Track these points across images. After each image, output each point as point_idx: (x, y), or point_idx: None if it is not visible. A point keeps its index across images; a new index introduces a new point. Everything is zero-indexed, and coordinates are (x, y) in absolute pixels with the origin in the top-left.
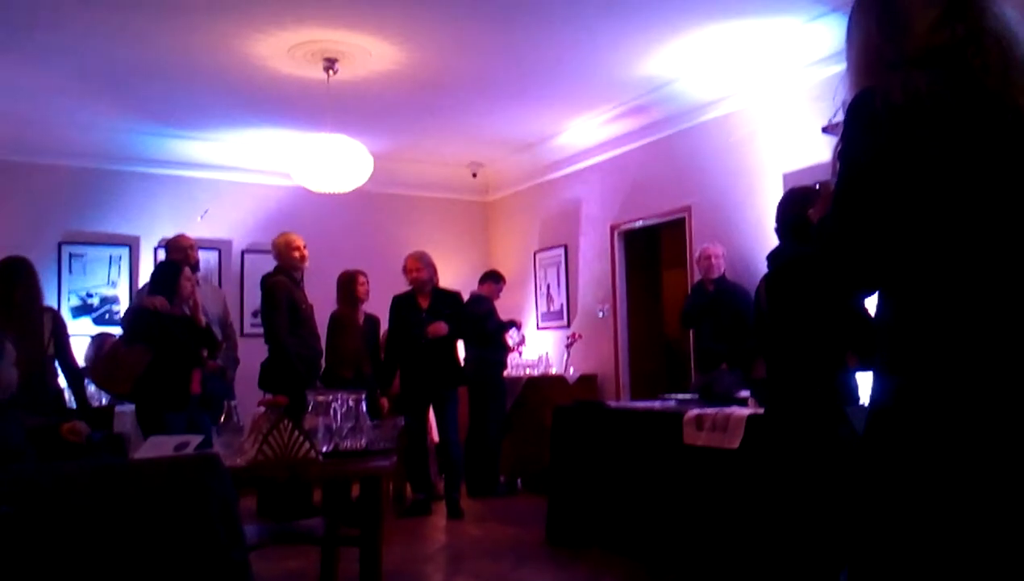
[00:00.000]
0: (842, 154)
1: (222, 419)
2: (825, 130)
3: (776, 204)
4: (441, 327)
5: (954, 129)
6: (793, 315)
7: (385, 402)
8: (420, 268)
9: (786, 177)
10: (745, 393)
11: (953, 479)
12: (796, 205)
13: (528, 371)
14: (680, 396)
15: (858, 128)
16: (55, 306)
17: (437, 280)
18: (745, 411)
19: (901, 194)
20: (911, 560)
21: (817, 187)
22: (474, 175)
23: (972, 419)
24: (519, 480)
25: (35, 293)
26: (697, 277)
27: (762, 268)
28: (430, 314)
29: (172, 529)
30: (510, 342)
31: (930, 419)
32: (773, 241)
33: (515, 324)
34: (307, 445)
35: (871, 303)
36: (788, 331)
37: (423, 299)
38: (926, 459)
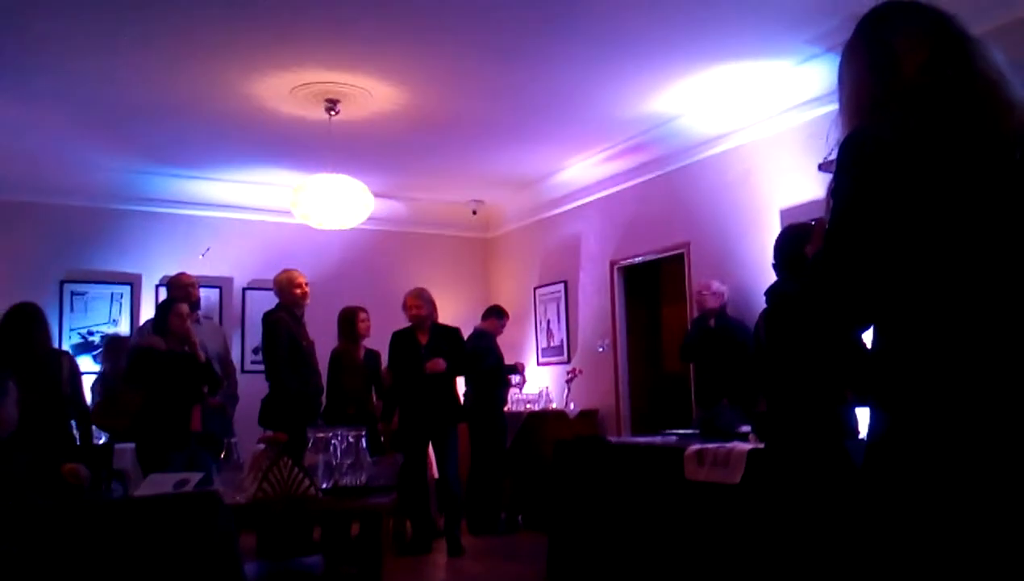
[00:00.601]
0: (834, 192)
1: (222, 456)
2: (821, 167)
3: (774, 240)
4: (439, 363)
5: (944, 167)
6: (791, 350)
7: (383, 433)
8: (420, 305)
9: (783, 213)
10: (746, 428)
11: (946, 514)
12: (793, 241)
13: (528, 406)
14: (681, 431)
15: (849, 166)
16: (56, 344)
17: (436, 316)
18: (746, 446)
19: (891, 231)
20: None
21: (813, 224)
22: (474, 213)
23: (963, 455)
24: (520, 516)
25: (48, 337)
26: (696, 312)
27: (761, 303)
28: (429, 350)
29: (172, 566)
30: (512, 380)
31: (921, 455)
32: (772, 277)
33: (517, 370)
34: (307, 482)
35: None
36: (787, 366)
37: (422, 335)
38: (919, 494)
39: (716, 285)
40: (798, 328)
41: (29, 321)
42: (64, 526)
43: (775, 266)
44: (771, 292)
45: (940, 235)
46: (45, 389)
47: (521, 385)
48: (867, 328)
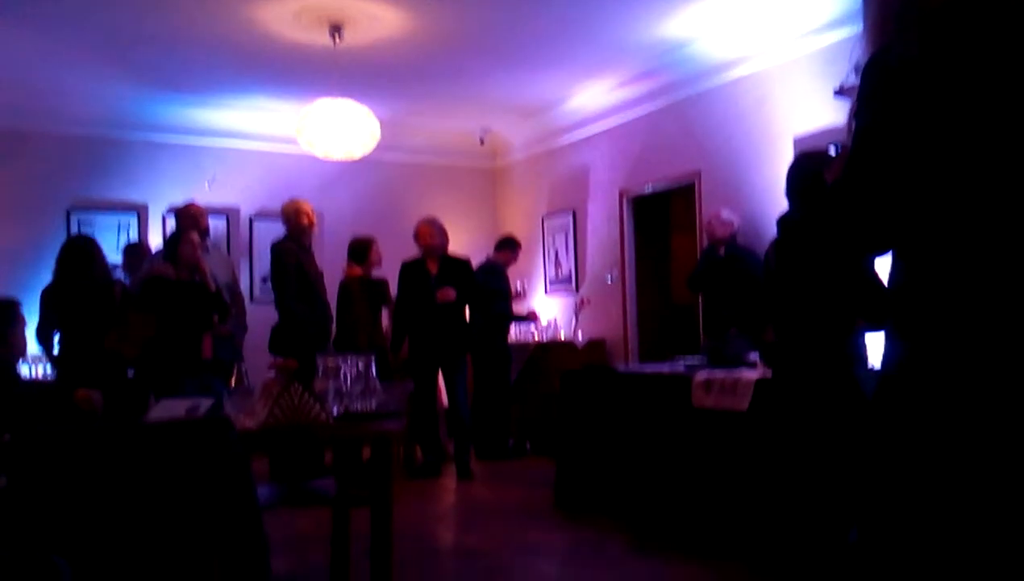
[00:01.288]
0: (857, 114)
1: (232, 382)
2: (837, 93)
3: (786, 168)
4: (450, 293)
5: (973, 87)
6: (803, 279)
7: (392, 362)
8: (433, 234)
9: (797, 141)
10: (754, 356)
11: (960, 445)
12: (807, 169)
13: (536, 337)
14: (689, 360)
15: (874, 86)
16: None
17: (447, 246)
18: (754, 374)
19: (918, 153)
20: (921, 522)
21: (830, 151)
22: (482, 141)
23: (981, 385)
24: (528, 443)
25: (106, 269)
26: (706, 242)
27: (772, 233)
28: (439, 280)
29: (185, 490)
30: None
31: (938, 385)
32: (783, 206)
33: (531, 318)
34: (317, 407)
35: (880, 266)
36: (797, 294)
37: (432, 265)
38: (934, 424)
39: (726, 214)
40: (811, 255)
41: (88, 254)
42: (73, 449)
43: (788, 194)
44: (783, 221)
45: (968, 158)
46: (106, 317)
47: (537, 328)
48: (885, 254)
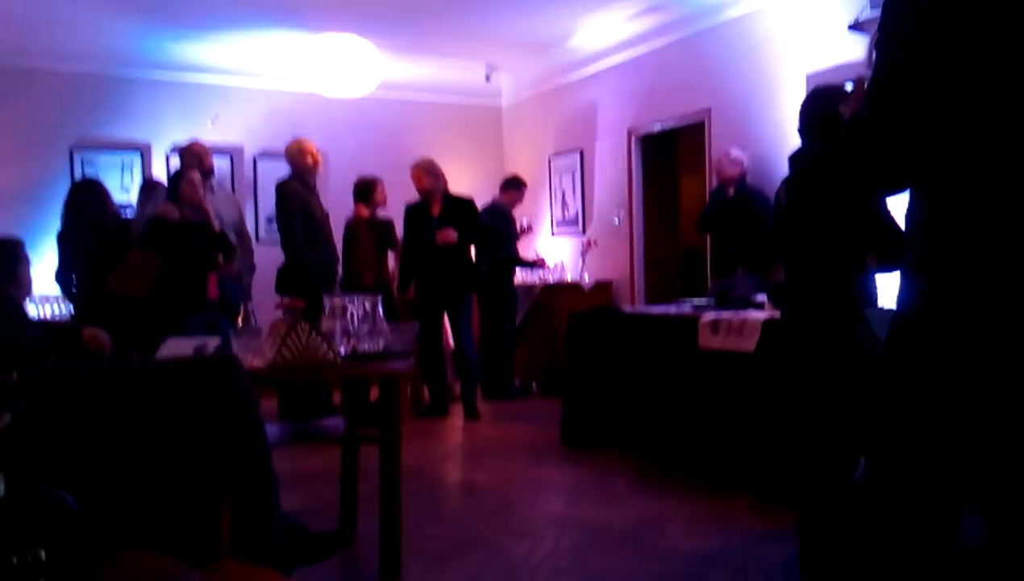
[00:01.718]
0: (879, 44)
1: (239, 322)
2: (852, 28)
3: (799, 105)
4: (450, 234)
5: (1005, 10)
6: (815, 217)
7: (399, 303)
8: (423, 177)
9: (809, 78)
10: (762, 297)
11: (980, 380)
12: (822, 103)
13: (543, 279)
14: (696, 301)
15: (898, 14)
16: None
17: (446, 186)
18: (762, 315)
19: (946, 82)
20: (933, 460)
21: (846, 86)
22: (487, 78)
23: (1005, 320)
24: (534, 383)
25: (116, 210)
26: (715, 182)
27: (782, 173)
28: (441, 221)
29: (193, 428)
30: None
31: (961, 319)
32: (794, 145)
33: (538, 265)
34: (325, 347)
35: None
36: (808, 233)
37: (434, 207)
38: (954, 360)
39: (736, 153)
40: (825, 192)
41: (97, 196)
42: (80, 386)
43: (801, 130)
44: (795, 158)
45: (1000, 87)
46: (119, 257)
47: (544, 272)
48: (904, 190)
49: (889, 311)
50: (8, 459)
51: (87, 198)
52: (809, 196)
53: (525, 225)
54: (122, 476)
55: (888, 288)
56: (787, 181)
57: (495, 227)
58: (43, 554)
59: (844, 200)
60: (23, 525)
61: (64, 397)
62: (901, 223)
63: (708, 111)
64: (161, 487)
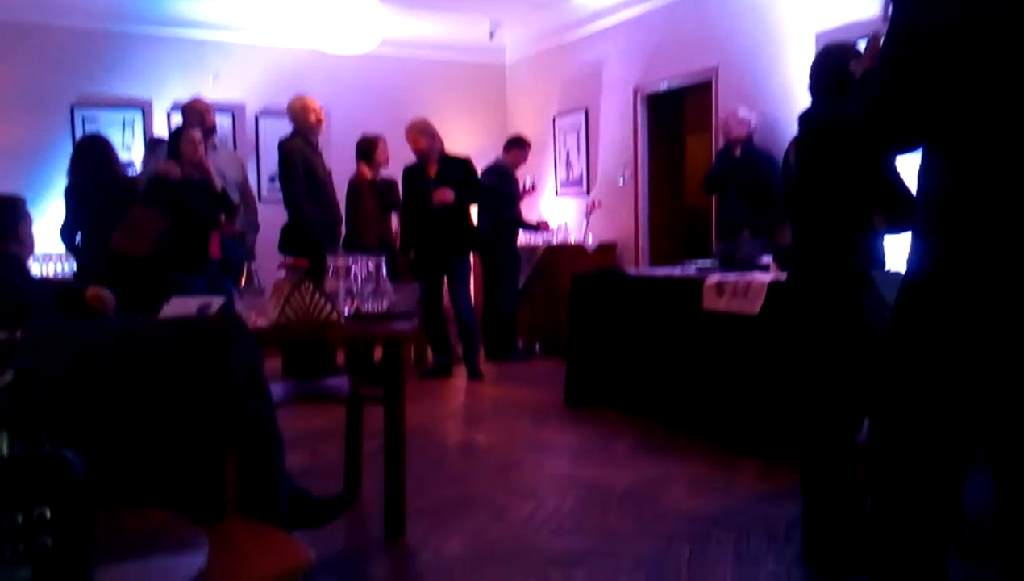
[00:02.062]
0: None
1: (243, 282)
2: None
3: (809, 63)
4: (447, 194)
5: None
6: (822, 176)
7: (401, 265)
8: (417, 138)
9: (819, 36)
10: (767, 259)
11: (996, 344)
12: (833, 61)
13: (546, 240)
14: (701, 263)
15: None
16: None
17: (442, 147)
18: (767, 277)
19: (963, 37)
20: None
21: (858, 44)
22: (491, 35)
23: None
24: (537, 345)
25: (122, 166)
26: (721, 142)
27: (790, 133)
28: (437, 182)
29: (198, 387)
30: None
31: (980, 282)
32: (803, 105)
33: (541, 228)
34: (329, 307)
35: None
36: (816, 193)
37: (431, 167)
38: (971, 324)
39: (743, 112)
40: (834, 152)
41: (104, 153)
42: (83, 344)
43: (811, 89)
44: (804, 116)
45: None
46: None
47: (547, 235)
48: (916, 150)
49: (896, 273)
50: (11, 418)
51: (97, 154)
52: (818, 156)
53: (528, 185)
54: (126, 435)
55: (895, 250)
56: (796, 140)
57: (497, 188)
58: (48, 513)
59: (854, 160)
60: (27, 484)
61: (67, 355)
62: (910, 184)
63: (715, 70)
64: (165, 445)
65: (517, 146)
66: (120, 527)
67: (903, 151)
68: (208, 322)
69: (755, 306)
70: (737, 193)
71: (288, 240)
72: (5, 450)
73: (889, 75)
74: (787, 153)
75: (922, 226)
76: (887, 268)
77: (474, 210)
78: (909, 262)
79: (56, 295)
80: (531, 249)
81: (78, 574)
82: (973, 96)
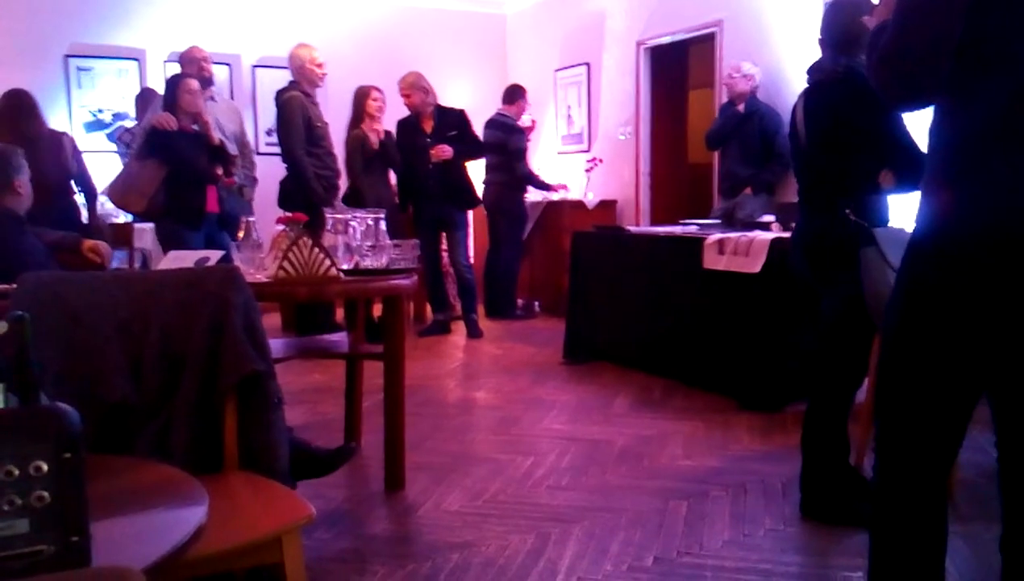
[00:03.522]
0: None
1: (240, 236)
2: None
3: (821, 15)
4: (445, 150)
5: None
6: (830, 132)
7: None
8: (408, 93)
9: None
10: (769, 217)
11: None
12: (845, 14)
13: (546, 196)
14: (701, 221)
15: None
16: (67, 121)
17: (435, 100)
18: (769, 235)
19: None
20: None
21: None
22: None
23: None
24: (536, 303)
25: (42, 121)
26: (725, 97)
27: (796, 89)
28: (434, 137)
29: (195, 340)
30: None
31: (984, 237)
32: (809, 60)
33: (554, 189)
34: (328, 262)
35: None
36: (824, 148)
37: (426, 122)
38: (975, 277)
39: (748, 67)
40: (843, 107)
41: (21, 106)
42: (80, 296)
43: (822, 42)
44: (814, 70)
45: None
46: (48, 170)
47: (560, 191)
48: (929, 105)
49: (900, 230)
50: (6, 370)
51: (23, 108)
52: (826, 110)
53: (528, 123)
54: (124, 388)
55: (900, 209)
56: (804, 94)
57: (506, 143)
58: (44, 466)
59: (863, 114)
60: (23, 437)
61: (63, 307)
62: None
63: (720, 23)
64: (163, 400)
65: (518, 96)
66: (119, 481)
67: (916, 107)
68: (206, 274)
69: (756, 265)
70: (740, 150)
71: (287, 194)
72: (2, 403)
73: (904, 28)
74: (795, 108)
75: (932, 182)
76: (890, 226)
77: (476, 165)
78: (918, 219)
79: (53, 247)
80: (531, 205)
81: (75, 528)
82: (988, 46)
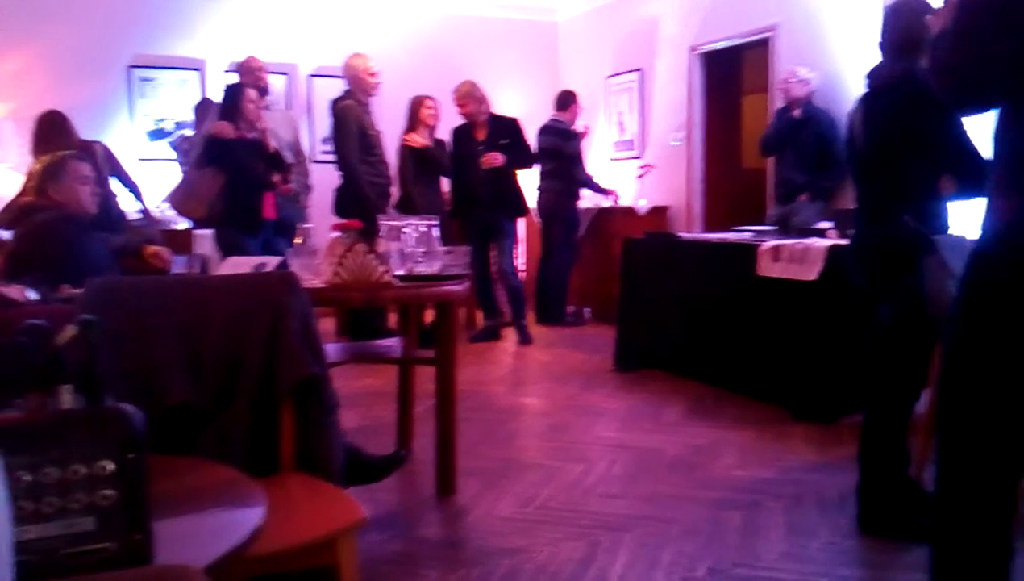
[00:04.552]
0: None
1: (296, 242)
2: None
3: (881, 17)
4: (496, 158)
5: None
6: (891, 136)
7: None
8: (464, 102)
9: None
10: (825, 224)
11: None
12: (906, 17)
13: (597, 202)
14: (755, 228)
15: None
16: (129, 130)
17: (488, 108)
18: (825, 242)
19: None
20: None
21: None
22: None
23: None
24: (587, 310)
25: (72, 134)
26: (779, 103)
27: (853, 93)
28: (486, 145)
29: (253, 344)
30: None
31: None
32: (866, 64)
33: (609, 194)
34: (381, 268)
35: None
36: (883, 153)
37: (479, 130)
38: None
39: (804, 71)
40: (905, 111)
41: (53, 123)
42: (144, 300)
43: (882, 45)
44: (873, 74)
45: None
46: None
47: (614, 203)
48: (993, 108)
49: (961, 238)
50: (77, 372)
51: (57, 127)
52: (886, 115)
53: (581, 129)
54: (184, 390)
55: (960, 217)
56: (863, 99)
57: (562, 150)
58: (109, 466)
59: (924, 119)
60: (90, 437)
61: (127, 310)
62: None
63: (774, 27)
64: (222, 401)
65: (570, 101)
66: (181, 481)
67: (980, 111)
68: (264, 279)
69: (812, 272)
70: (795, 156)
71: (343, 202)
72: (70, 404)
73: (968, 31)
74: (852, 113)
75: (999, 188)
76: (950, 233)
77: (526, 174)
78: (983, 226)
79: (117, 253)
80: (583, 211)
81: (139, 526)
82: None
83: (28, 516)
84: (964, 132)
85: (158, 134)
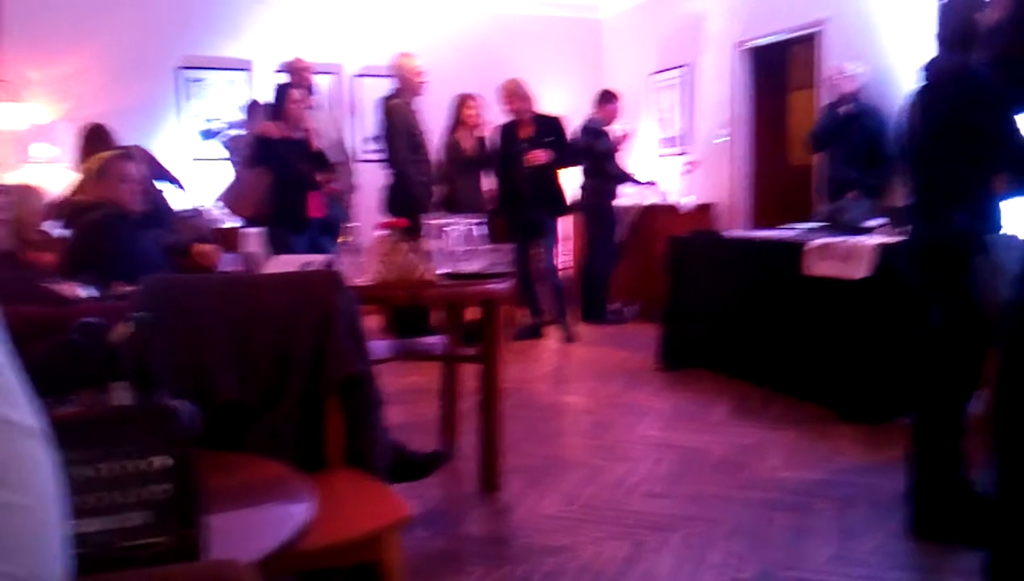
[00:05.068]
0: None
1: (342, 240)
2: None
3: (937, 10)
4: (540, 156)
5: None
6: (945, 132)
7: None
8: (509, 100)
9: None
10: (875, 222)
11: None
12: (961, 10)
13: (641, 200)
14: (803, 225)
15: None
16: (178, 130)
17: (532, 106)
18: (873, 240)
19: None
20: None
21: None
22: None
23: None
24: (630, 308)
25: (111, 143)
26: (827, 98)
27: (902, 89)
28: (531, 143)
29: (301, 341)
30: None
31: None
32: (917, 59)
33: (648, 184)
34: (424, 266)
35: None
36: (936, 149)
37: (524, 128)
38: None
39: (853, 67)
40: (960, 106)
41: (98, 135)
42: (194, 297)
43: (939, 37)
44: (929, 68)
45: None
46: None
47: (655, 193)
48: None
49: (1014, 237)
50: (131, 369)
51: (99, 139)
52: (941, 110)
53: (619, 134)
54: (234, 386)
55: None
56: (917, 93)
57: (594, 146)
58: (163, 461)
59: (979, 115)
60: (144, 432)
61: (178, 308)
62: None
63: (822, 22)
64: (271, 398)
65: (608, 100)
66: (232, 477)
67: None
68: (311, 277)
69: (860, 270)
70: (844, 152)
71: (392, 200)
72: (128, 400)
73: (1021, 22)
74: (904, 108)
75: None
76: (1004, 232)
77: (569, 172)
78: None
79: (167, 250)
80: (626, 209)
81: (190, 521)
82: None
83: (85, 510)
84: (1018, 130)
85: (208, 134)
